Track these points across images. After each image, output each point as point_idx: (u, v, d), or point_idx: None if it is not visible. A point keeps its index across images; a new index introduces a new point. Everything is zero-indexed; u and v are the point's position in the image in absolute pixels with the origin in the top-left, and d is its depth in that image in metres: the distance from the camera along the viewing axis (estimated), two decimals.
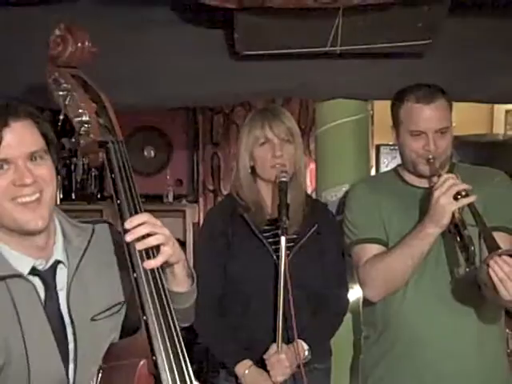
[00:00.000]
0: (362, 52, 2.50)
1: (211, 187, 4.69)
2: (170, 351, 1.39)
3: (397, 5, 2.23)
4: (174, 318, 1.43)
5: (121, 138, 1.56)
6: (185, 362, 1.40)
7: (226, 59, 2.61)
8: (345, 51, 2.48)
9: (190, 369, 1.40)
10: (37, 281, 1.51)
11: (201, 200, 4.69)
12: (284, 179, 2.28)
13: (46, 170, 1.48)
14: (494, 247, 1.89)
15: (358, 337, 2.59)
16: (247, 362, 2.27)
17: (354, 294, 2.58)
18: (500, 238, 1.99)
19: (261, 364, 2.26)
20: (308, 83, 2.68)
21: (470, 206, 2.01)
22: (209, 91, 2.67)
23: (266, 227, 2.35)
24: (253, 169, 2.38)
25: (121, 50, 2.55)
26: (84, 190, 4.45)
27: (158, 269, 1.45)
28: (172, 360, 1.39)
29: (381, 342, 2.32)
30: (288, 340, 2.26)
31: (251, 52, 2.45)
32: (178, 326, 1.43)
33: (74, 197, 4.44)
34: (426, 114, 2.17)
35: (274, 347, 2.23)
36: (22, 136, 1.45)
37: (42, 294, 1.51)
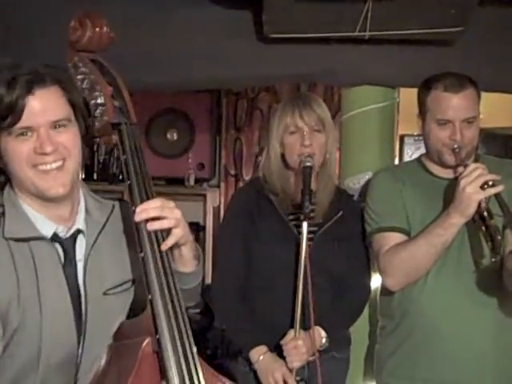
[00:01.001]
0: (390, 38, 2.47)
1: (233, 172, 4.68)
2: (175, 330, 1.39)
3: None
4: (180, 297, 1.43)
5: (134, 120, 1.58)
6: (189, 340, 1.40)
7: (252, 41, 2.60)
8: (373, 37, 2.45)
9: (193, 348, 1.40)
10: (57, 247, 1.52)
11: (222, 184, 4.68)
12: (308, 164, 2.26)
13: (68, 138, 1.48)
14: None
15: (374, 328, 2.57)
16: (262, 348, 2.27)
17: (373, 282, 2.56)
18: None
19: (279, 349, 2.25)
20: (334, 69, 2.66)
21: (497, 196, 1.99)
22: (233, 73, 2.66)
23: (292, 211, 2.34)
24: (283, 156, 2.37)
25: (146, 31, 2.57)
26: (106, 171, 4.46)
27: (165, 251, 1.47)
28: (176, 338, 1.38)
29: (397, 332, 2.31)
30: (306, 326, 2.25)
31: (279, 35, 2.43)
32: (183, 306, 1.43)
33: (95, 177, 4.45)
34: (453, 103, 2.15)
35: (291, 333, 2.22)
36: (46, 104, 1.45)
37: (62, 261, 1.52)
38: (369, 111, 2.70)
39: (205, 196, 4.56)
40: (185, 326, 1.41)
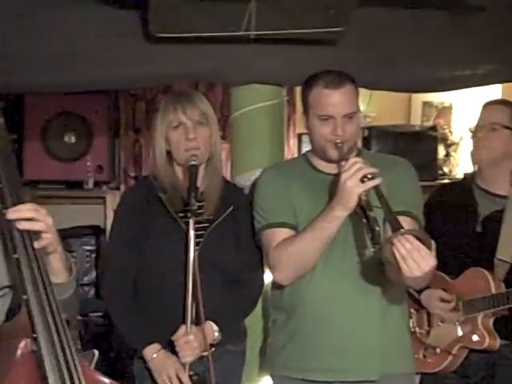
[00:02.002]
0: (275, 37, 2.51)
1: (133, 174, 4.62)
2: (52, 327, 1.39)
3: None
4: (55, 296, 1.44)
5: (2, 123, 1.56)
6: (67, 338, 1.40)
7: (139, 41, 2.57)
8: (259, 36, 2.48)
9: (71, 346, 1.41)
10: None
11: (122, 187, 4.60)
12: (194, 162, 2.28)
13: None
14: (397, 227, 1.94)
15: (268, 321, 2.61)
16: (155, 346, 2.28)
17: (266, 277, 2.60)
18: (403, 221, 2.03)
19: (172, 346, 2.26)
20: (222, 68, 2.67)
21: (376, 188, 2.06)
22: (120, 74, 2.63)
23: (182, 208, 2.34)
24: (169, 153, 2.37)
25: (31, 32, 2.50)
26: None
27: (38, 252, 1.47)
28: (53, 336, 1.39)
29: (288, 325, 2.35)
30: (198, 321, 2.26)
31: (164, 34, 2.42)
32: (59, 305, 1.44)
33: None
34: (334, 99, 2.21)
35: (183, 328, 2.24)
36: None
37: None
38: (258, 109, 2.73)
39: (104, 199, 4.47)
40: (62, 324, 1.42)
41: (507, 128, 2.63)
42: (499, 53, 2.79)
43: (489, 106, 2.73)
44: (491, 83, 3.14)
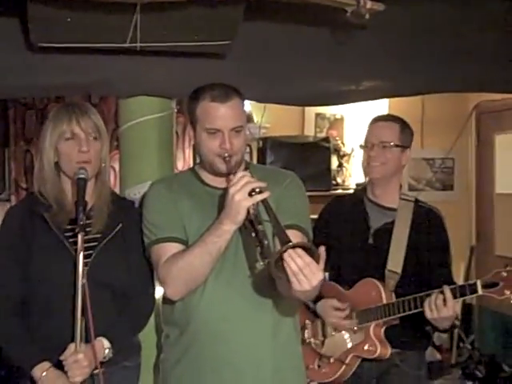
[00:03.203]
0: (162, 50, 2.49)
1: (24, 185, 4.50)
2: None
3: (195, 4, 2.24)
4: None
5: None
6: None
7: (20, 50, 2.49)
8: (145, 48, 2.45)
9: None
10: None
11: (13, 198, 4.49)
12: (82, 176, 2.23)
13: None
14: (285, 241, 1.95)
15: (160, 336, 2.58)
16: (45, 365, 2.21)
17: (157, 292, 2.57)
18: (292, 235, 2.06)
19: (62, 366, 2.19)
20: (108, 79, 2.63)
21: (264, 202, 2.06)
22: (6, 83, 2.54)
23: (68, 226, 2.29)
24: (57, 165, 2.30)
25: None
26: None
27: None
28: None
29: (181, 340, 2.33)
30: (88, 339, 2.20)
31: (46, 44, 2.36)
32: None
33: None
34: (221, 113, 2.20)
35: (71, 347, 2.17)
36: None
37: None
38: (146, 121, 2.71)
39: None
40: None
41: (397, 146, 2.70)
42: (381, 69, 2.90)
43: (378, 122, 2.77)
44: (374, 99, 3.23)
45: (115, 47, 2.41)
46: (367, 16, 2.26)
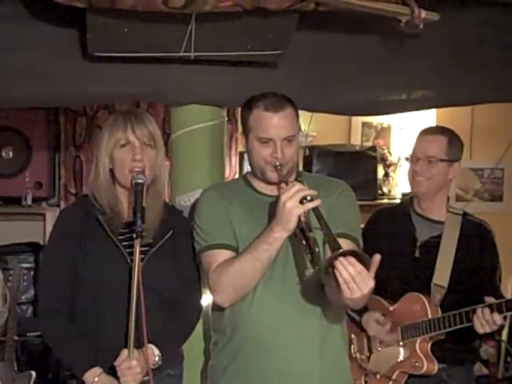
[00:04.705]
0: (215, 59, 2.52)
1: (73, 191, 4.55)
2: None
3: (248, 14, 2.26)
4: None
5: None
6: None
7: (78, 60, 2.55)
8: (199, 57, 2.48)
9: None
10: None
11: (62, 203, 4.53)
12: (140, 181, 2.24)
13: None
14: (336, 248, 1.95)
15: (209, 344, 2.59)
16: (97, 370, 2.22)
17: (205, 299, 2.59)
18: (343, 243, 2.05)
19: (114, 371, 2.20)
20: (161, 88, 2.67)
21: (315, 210, 2.06)
22: (57, 92, 2.59)
23: (122, 230, 2.31)
24: (112, 171, 2.33)
25: None
26: None
27: None
28: None
29: (229, 347, 2.34)
30: (140, 345, 2.21)
31: (103, 54, 2.41)
32: None
33: None
34: (274, 122, 2.22)
35: (125, 353, 2.18)
36: None
37: None
38: (197, 130, 2.73)
39: (44, 215, 4.40)
40: None
41: (443, 160, 2.66)
42: (432, 79, 2.88)
43: (425, 136, 2.73)
44: (425, 108, 3.23)
45: (170, 56, 2.45)
46: (421, 26, 2.25)
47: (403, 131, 4.74)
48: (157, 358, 2.27)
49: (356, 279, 1.90)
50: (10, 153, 4.30)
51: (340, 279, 1.91)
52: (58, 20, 2.48)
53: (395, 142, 4.84)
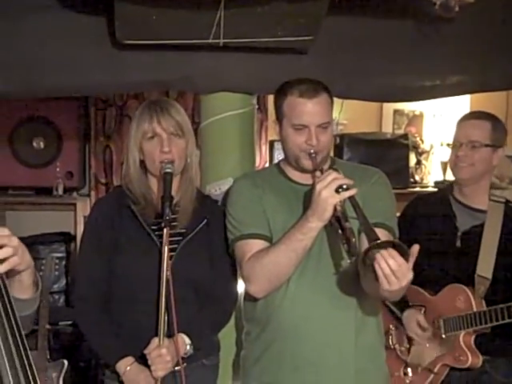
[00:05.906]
0: (244, 45, 2.48)
1: (103, 180, 4.58)
2: (15, 357, 1.38)
3: (278, 0, 2.22)
4: (19, 323, 1.43)
5: None
6: (30, 366, 1.38)
7: (106, 48, 2.53)
8: (228, 44, 2.45)
9: (35, 372, 1.38)
10: None
11: (92, 193, 4.57)
12: (168, 170, 2.23)
13: None
14: (373, 238, 1.90)
15: (241, 333, 2.57)
16: (129, 359, 2.22)
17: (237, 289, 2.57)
18: (379, 233, 1.99)
19: (145, 359, 2.20)
20: (190, 76, 2.64)
21: (351, 199, 2.02)
22: (87, 80, 2.58)
23: (155, 220, 2.30)
24: (142, 162, 2.32)
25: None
26: None
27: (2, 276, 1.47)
28: (17, 364, 1.37)
29: (262, 337, 2.31)
30: (170, 334, 2.21)
31: (131, 41, 2.39)
32: (23, 334, 1.42)
33: None
34: (308, 108, 2.17)
35: (155, 341, 2.18)
36: None
37: None
38: (227, 117, 2.70)
39: (75, 205, 4.44)
40: (26, 353, 1.41)
41: (487, 146, 2.58)
42: (467, 64, 2.80)
43: (468, 120, 2.64)
44: (460, 94, 3.15)
45: (199, 43, 2.42)
46: (457, 8, 2.18)
47: (436, 118, 4.67)
48: (188, 347, 2.25)
49: (397, 273, 1.85)
50: (41, 143, 4.35)
51: (379, 272, 1.87)
52: (86, 8, 2.47)
53: (427, 130, 4.77)
